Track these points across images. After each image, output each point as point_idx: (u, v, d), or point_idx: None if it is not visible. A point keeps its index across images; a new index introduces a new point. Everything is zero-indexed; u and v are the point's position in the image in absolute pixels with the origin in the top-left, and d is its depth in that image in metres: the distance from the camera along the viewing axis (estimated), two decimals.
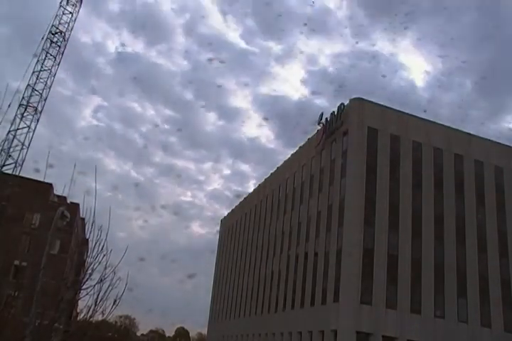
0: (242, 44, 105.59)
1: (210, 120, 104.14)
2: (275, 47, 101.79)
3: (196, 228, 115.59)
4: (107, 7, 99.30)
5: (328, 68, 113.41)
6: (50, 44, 47.63)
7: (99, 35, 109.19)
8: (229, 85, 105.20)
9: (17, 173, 43.26)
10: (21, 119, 45.42)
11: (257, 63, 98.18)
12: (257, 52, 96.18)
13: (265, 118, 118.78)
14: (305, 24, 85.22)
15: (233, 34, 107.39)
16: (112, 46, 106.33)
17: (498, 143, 43.03)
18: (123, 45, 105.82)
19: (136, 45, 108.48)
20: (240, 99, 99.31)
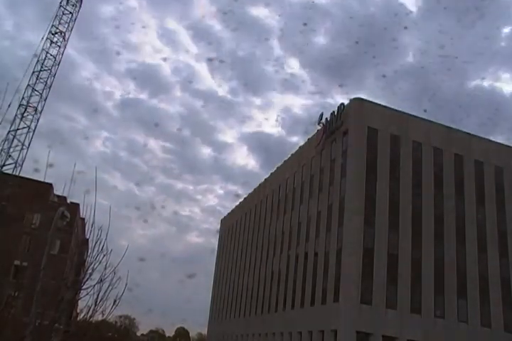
0: (229, 97, 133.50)
1: (205, 152, 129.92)
2: (256, 100, 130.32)
3: (192, 237, 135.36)
4: (118, 66, 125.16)
5: (299, 113, 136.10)
6: (50, 44, 47.67)
7: (110, 86, 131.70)
8: (219, 125, 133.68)
9: (17, 173, 43.28)
10: (21, 119, 45.43)
11: (241, 110, 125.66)
12: (241, 102, 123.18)
13: (250, 150, 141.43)
14: (281, 83, 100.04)
15: (221, 89, 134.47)
16: (119, 93, 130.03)
17: (498, 143, 43.07)
18: (129, 93, 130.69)
19: (141, 95, 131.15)
20: (229, 136, 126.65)
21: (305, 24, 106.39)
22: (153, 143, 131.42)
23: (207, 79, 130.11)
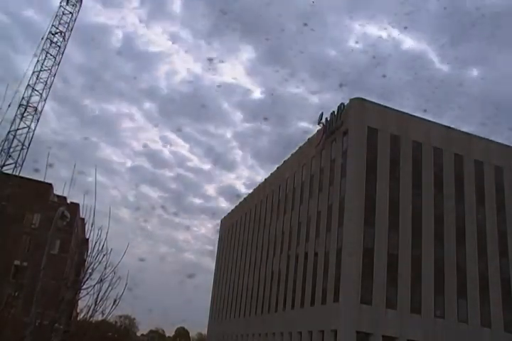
0: (206, 168, 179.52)
1: (195, 200, 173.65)
2: (227, 173, 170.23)
3: (189, 256, 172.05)
4: (129, 150, 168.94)
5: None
6: (50, 44, 47.65)
7: (123, 159, 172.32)
8: (203, 185, 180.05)
9: (17, 173, 43.28)
10: (21, 119, 45.44)
11: (218, 177, 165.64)
12: (217, 173, 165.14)
13: (227, 200, 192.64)
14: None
15: (204, 165, 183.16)
16: (130, 163, 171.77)
17: (498, 143, 43.03)
18: (135, 162, 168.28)
19: (145, 164, 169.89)
20: (211, 190, 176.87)
21: None
22: (153, 194, 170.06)
23: (194, 160, 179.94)
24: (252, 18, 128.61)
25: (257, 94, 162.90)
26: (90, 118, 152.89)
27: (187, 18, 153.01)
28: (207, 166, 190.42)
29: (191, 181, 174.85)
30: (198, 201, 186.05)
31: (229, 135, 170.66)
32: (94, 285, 10.03)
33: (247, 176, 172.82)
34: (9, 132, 44.13)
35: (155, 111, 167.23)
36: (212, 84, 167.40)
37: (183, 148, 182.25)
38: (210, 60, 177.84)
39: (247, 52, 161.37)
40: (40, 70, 46.77)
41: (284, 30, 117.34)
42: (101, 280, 9.98)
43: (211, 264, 77.59)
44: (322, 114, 42.03)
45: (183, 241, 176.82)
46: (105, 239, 9.95)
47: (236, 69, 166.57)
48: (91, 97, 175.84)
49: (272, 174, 56.02)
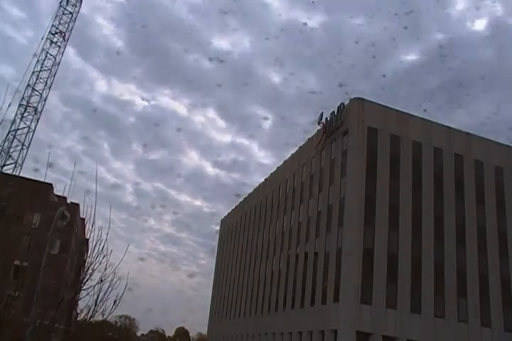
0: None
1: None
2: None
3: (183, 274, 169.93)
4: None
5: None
6: (50, 44, 47.68)
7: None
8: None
9: (17, 173, 43.28)
10: (21, 119, 45.47)
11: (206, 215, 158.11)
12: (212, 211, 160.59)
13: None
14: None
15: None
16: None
17: (498, 143, 42.99)
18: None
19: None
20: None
21: None
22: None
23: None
24: None
25: None
26: None
27: None
28: None
29: None
30: None
31: None
32: (95, 286, 10.04)
33: None
34: (9, 132, 44.14)
35: None
36: None
37: None
38: None
39: None
40: (40, 70, 46.79)
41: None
42: (101, 281, 9.99)
43: None
44: (322, 113, 42.01)
45: None
46: (105, 239, 9.96)
47: None
48: None
49: (271, 174, 56.00)
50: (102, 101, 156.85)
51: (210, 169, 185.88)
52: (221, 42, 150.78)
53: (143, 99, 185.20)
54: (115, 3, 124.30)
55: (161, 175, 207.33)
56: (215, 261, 75.67)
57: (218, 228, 77.08)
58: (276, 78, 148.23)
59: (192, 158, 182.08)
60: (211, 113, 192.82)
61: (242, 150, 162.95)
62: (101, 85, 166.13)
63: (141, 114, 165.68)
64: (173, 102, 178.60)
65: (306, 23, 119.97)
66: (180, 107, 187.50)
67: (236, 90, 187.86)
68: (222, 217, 76.41)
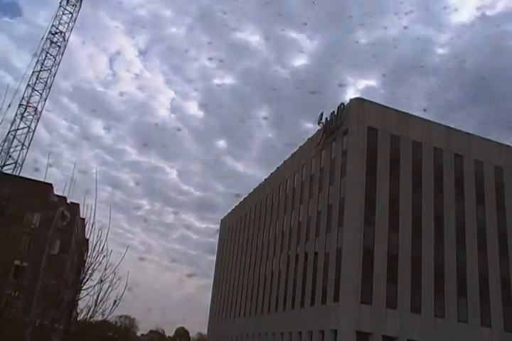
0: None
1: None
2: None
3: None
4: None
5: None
6: (50, 44, 47.68)
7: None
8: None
9: (17, 173, 43.30)
10: (21, 119, 45.48)
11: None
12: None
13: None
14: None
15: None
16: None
17: (498, 143, 43.03)
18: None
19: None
20: None
21: None
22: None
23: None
24: None
25: None
26: None
27: None
28: None
29: None
30: None
31: None
32: (95, 286, 10.04)
33: None
34: (9, 132, 44.17)
35: None
36: None
37: None
38: None
39: None
40: (40, 70, 46.80)
41: None
42: (101, 281, 9.99)
43: None
44: (322, 113, 42.02)
45: None
46: (105, 239, 9.96)
47: None
48: None
49: (271, 174, 55.99)
50: None
51: None
52: None
53: None
54: None
55: None
56: (215, 261, 75.76)
57: (218, 228, 77.19)
58: None
59: None
60: None
61: None
62: None
63: None
64: None
65: None
66: None
67: None
68: (222, 217, 76.49)
